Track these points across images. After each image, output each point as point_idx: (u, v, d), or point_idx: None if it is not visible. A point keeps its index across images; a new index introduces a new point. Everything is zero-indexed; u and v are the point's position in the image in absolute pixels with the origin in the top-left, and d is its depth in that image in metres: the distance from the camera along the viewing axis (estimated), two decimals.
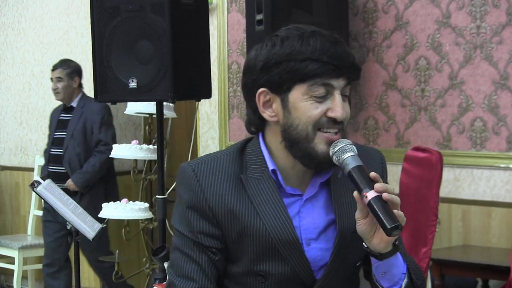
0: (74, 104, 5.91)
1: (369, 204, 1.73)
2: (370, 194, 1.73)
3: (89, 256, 5.81)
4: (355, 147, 1.81)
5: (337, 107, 1.81)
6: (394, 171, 5.00)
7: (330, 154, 1.81)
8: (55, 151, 5.89)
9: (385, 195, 1.72)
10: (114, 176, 6.04)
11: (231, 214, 1.84)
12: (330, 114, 1.81)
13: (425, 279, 1.97)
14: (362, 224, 1.78)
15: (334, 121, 1.82)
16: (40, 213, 6.37)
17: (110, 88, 4.08)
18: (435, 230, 4.41)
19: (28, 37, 7.34)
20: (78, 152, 5.78)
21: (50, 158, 5.92)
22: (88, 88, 6.44)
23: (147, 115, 5.19)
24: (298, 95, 1.82)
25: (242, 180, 1.86)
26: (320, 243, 1.87)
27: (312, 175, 1.89)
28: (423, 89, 5.06)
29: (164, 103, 4.38)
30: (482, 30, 4.81)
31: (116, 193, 6.00)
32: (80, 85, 5.97)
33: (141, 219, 5.10)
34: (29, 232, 6.93)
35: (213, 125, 6.10)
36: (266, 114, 1.87)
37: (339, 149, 1.80)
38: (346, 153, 1.79)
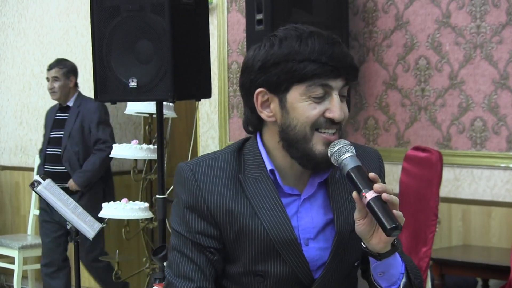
0: (70, 103, 5.91)
1: (369, 204, 1.73)
2: (370, 195, 1.73)
3: (84, 256, 5.78)
4: (353, 148, 1.81)
5: (335, 107, 1.81)
6: (394, 171, 5.01)
7: (329, 154, 1.81)
8: (51, 150, 5.89)
9: (384, 195, 1.72)
10: (111, 176, 6.04)
11: (229, 214, 1.84)
12: (328, 114, 1.81)
13: (423, 279, 1.98)
14: (361, 224, 1.78)
15: (332, 122, 1.82)
16: None
17: (110, 88, 4.08)
18: (435, 229, 4.41)
19: (28, 37, 7.34)
20: (77, 151, 5.79)
21: (46, 158, 5.91)
22: (88, 88, 6.44)
23: (147, 115, 5.19)
24: (296, 96, 1.82)
25: (240, 180, 1.86)
26: (318, 243, 1.87)
27: (310, 174, 1.89)
28: (423, 88, 5.06)
29: (164, 103, 4.38)
30: (482, 29, 4.81)
31: (113, 193, 6.00)
32: (76, 85, 5.96)
33: (141, 219, 5.10)
34: (29, 232, 6.93)
35: (213, 124, 6.10)
36: (264, 114, 1.87)
37: (337, 149, 1.80)
38: (344, 154, 1.79)
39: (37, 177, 4.50)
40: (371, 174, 1.76)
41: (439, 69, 4.99)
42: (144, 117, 6.36)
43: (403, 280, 1.85)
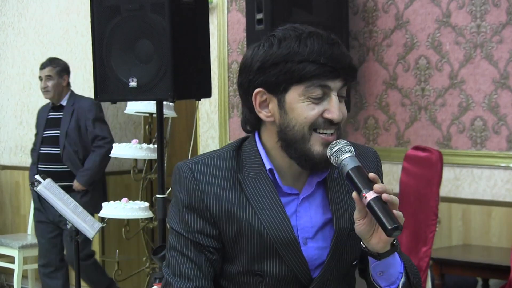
0: (63, 102, 5.89)
1: (369, 205, 1.73)
2: (370, 195, 1.73)
3: (70, 254, 5.74)
4: (352, 148, 1.81)
5: (334, 108, 1.81)
6: (394, 171, 5.01)
7: (328, 155, 1.81)
8: (46, 150, 5.87)
9: (384, 195, 1.72)
10: (104, 176, 6.03)
11: (228, 214, 1.84)
12: (327, 115, 1.81)
13: (421, 278, 1.98)
14: (360, 224, 1.78)
15: (330, 122, 1.82)
16: None
17: (110, 88, 4.08)
18: (435, 229, 4.41)
19: (28, 36, 7.34)
20: (76, 150, 5.78)
21: (40, 157, 5.90)
22: (88, 87, 6.44)
23: (147, 115, 5.19)
24: (294, 96, 1.82)
25: (239, 179, 1.86)
26: (317, 242, 1.87)
27: (309, 174, 1.89)
28: (423, 88, 5.06)
29: (164, 103, 4.38)
30: (482, 29, 4.81)
31: (106, 192, 6.00)
32: (69, 84, 5.95)
33: (141, 219, 5.10)
34: (29, 231, 6.92)
35: (213, 124, 6.10)
36: (263, 114, 1.86)
37: (337, 150, 1.80)
38: (344, 154, 1.79)
39: (37, 177, 4.49)
40: (371, 175, 1.76)
41: (439, 68, 4.99)
42: (144, 116, 6.36)
43: (402, 279, 1.85)
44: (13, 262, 6.63)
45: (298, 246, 1.84)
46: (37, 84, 7.27)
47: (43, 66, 5.94)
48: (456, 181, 4.96)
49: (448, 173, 4.88)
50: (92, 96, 4.26)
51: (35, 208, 6.02)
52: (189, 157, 5.12)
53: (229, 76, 5.97)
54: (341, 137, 1.85)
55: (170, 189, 4.36)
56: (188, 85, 4.07)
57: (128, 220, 5.07)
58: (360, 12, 5.31)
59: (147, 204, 4.95)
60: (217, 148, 5.89)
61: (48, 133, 5.89)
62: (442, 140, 4.99)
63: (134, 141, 5.08)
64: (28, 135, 7.42)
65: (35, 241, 6.65)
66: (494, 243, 4.80)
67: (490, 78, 4.80)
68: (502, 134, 4.77)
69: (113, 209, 4.87)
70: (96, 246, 6.63)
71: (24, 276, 6.78)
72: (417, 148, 4.67)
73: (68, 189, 5.66)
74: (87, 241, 5.64)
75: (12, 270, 6.67)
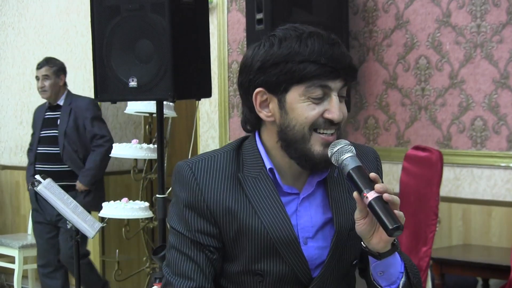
0: (60, 102, 5.88)
1: (370, 204, 1.73)
2: (371, 195, 1.73)
3: (65, 252, 5.75)
4: (353, 148, 1.81)
5: (334, 108, 1.81)
6: (394, 170, 5.01)
7: (329, 155, 1.81)
8: (43, 149, 5.86)
9: (385, 195, 1.73)
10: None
11: (229, 213, 1.84)
12: (327, 115, 1.82)
13: (421, 278, 1.98)
14: (361, 224, 1.78)
15: (330, 122, 1.82)
16: None
17: (110, 87, 4.08)
18: (435, 229, 4.42)
19: (28, 36, 7.34)
20: (76, 149, 5.77)
21: (37, 157, 5.89)
22: (88, 87, 6.44)
23: (147, 114, 5.19)
24: (295, 96, 1.82)
25: (239, 179, 1.86)
26: (317, 242, 1.87)
27: (309, 173, 1.89)
28: (423, 88, 5.06)
29: (164, 102, 4.38)
30: (482, 29, 4.81)
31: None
32: (65, 83, 5.94)
33: (141, 218, 5.10)
34: (29, 231, 6.92)
35: (213, 124, 6.10)
36: (263, 114, 1.86)
37: (338, 149, 1.80)
38: (345, 154, 1.79)
39: (37, 177, 4.49)
40: (372, 174, 1.76)
41: (439, 68, 4.99)
42: (144, 116, 6.36)
43: (403, 279, 1.85)
44: (13, 262, 6.63)
45: (298, 245, 1.84)
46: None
47: (39, 66, 5.93)
48: (456, 181, 4.96)
49: (448, 173, 4.88)
50: (92, 96, 4.25)
51: (32, 209, 6.01)
52: (189, 157, 5.12)
53: (229, 76, 5.97)
54: (341, 137, 1.85)
55: (170, 189, 4.36)
56: (188, 85, 4.07)
57: (128, 220, 5.08)
58: (360, 12, 5.31)
59: (147, 204, 4.95)
60: (217, 148, 5.90)
61: (45, 133, 5.87)
62: (442, 140, 4.99)
63: (134, 141, 5.08)
64: (28, 135, 7.41)
65: (35, 241, 6.65)
66: (494, 243, 4.80)
67: (490, 78, 4.80)
68: (502, 134, 4.77)
69: (113, 209, 4.87)
70: (96, 246, 6.63)
71: (24, 276, 6.78)
72: (417, 148, 4.67)
73: (68, 189, 5.66)
74: (83, 240, 5.65)
75: (12, 270, 6.67)
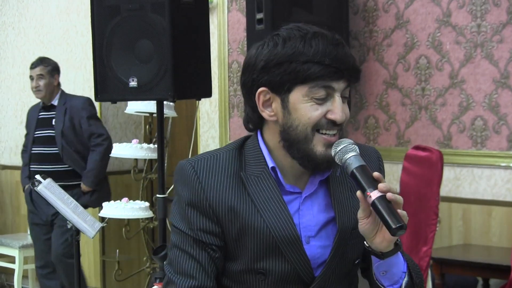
0: (54, 102, 5.85)
1: (373, 204, 1.73)
2: (374, 194, 1.73)
3: (57, 251, 5.73)
4: (357, 147, 1.81)
5: (337, 109, 1.82)
6: (395, 170, 5.01)
7: (332, 154, 1.81)
8: (38, 150, 5.83)
9: (389, 194, 1.73)
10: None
11: (231, 212, 1.84)
12: (330, 116, 1.82)
13: (423, 278, 1.98)
14: (364, 223, 1.78)
15: (333, 123, 1.82)
16: None
17: (110, 87, 4.08)
18: (436, 229, 4.41)
19: (29, 36, 7.34)
20: (75, 149, 5.76)
21: (32, 157, 5.87)
22: (88, 87, 6.44)
23: (148, 114, 5.19)
24: (298, 96, 1.82)
25: (242, 178, 1.86)
26: (319, 241, 1.88)
27: (311, 173, 1.90)
28: (423, 88, 5.06)
29: (165, 102, 4.38)
30: (482, 29, 4.81)
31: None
32: (59, 83, 5.92)
33: (142, 218, 5.10)
34: (29, 231, 6.92)
35: (213, 124, 6.10)
36: (266, 113, 1.87)
37: (341, 148, 1.80)
38: (348, 153, 1.79)
39: (37, 176, 4.49)
40: (376, 174, 1.76)
41: (440, 68, 4.99)
42: (145, 116, 6.36)
43: (405, 279, 1.86)
44: (13, 262, 6.63)
45: (300, 244, 1.84)
46: None
47: (34, 66, 5.89)
48: (456, 181, 4.96)
49: (448, 173, 4.88)
50: (93, 96, 4.25)
51: (28, 211, 5.97)
52: (189, 157, 5.13)
53: (229, 76, 5.97)
54: (343, 136, 1.86)
55: (170, 189, 4.36)
56: (188, 85, 4.07)
57: (128, 220, 5.08)
58: (360, 12, 5.31)
59: (147, 204, 4.96)
60: (218, 148, 5.90)
61: (40, 133, 5.84)
62: (443, 139, 4.99)
63: (134, 141, 5.08)
64: None
65: None
66: (494, 242, 4.80)
67: (490, 77, 4.80)
68: (502, 133, 4.77)
69: (113, 209, 4.87)
70: (96, 246, 6.63)
71: (25, 276, 6.78)
72: (417, 147, 4.67)
73: (66, 189, 5.66)
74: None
75: (13, 270, 6.67)
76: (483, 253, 4.71)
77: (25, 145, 6.00)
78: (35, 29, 7.27)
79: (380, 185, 1.73)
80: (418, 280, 1.89)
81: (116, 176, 6.44)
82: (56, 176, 5.65)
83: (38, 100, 5.96)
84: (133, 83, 4.00)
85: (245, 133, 1.97)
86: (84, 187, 5.72)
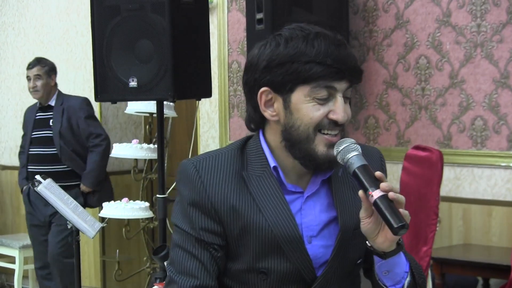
0: (51, 103, 5.83)
1: (375, 203, 1.73)
2: (376, 194, 1.73)
3: (53, 250, 5.72)
4: (359, 147, 1.82)
5: (339, 109, 1.82)
6: (395, 170, 5.01)
7: (335, 153, 1.81)
8: (35, 150, 5.82)
9: (391, 194, 1.73)
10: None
11: (233, 211, 1.84)
12: (332, 116, 1.82)
13: (425, 278, 1.98)
14: (366, 223, 1.78)
15: (335, 123, 1.82)
16: None
17: (110, 88, 4.08)
18: (436, 229, 4.42)
19: (29, 36, 7.34)
20: (72, 149, 5.75)
21: (29, 158, 5.85)
22: (88, 87, 6.44)
23: (148, 114, 5.20)
24: (300, 97, 1.82)
25: (244, 177, 1.86)
26: (321, 240, 1.88)
27: (313, 172, 1.90)
28: (423, 88, 5.06)
29: (165, 102, 4.38)
30: (482, 28, 4.81)
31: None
32: (56, 84, 5.91)
33: (142, 219, 5.10)
34: (28, 232, 6.92)
35: (213, 124, 6.10)
36: (267, 113, 1.87)
37: (343, 148, 1.81)
38: (350, 152, 1.80)
39: (37, 177, 4.49)
40: (378, 173, 1.76)
41: (440, 68, 4.99)
42: (145, 116, 6.36)
43: (408, 279, 1.86)
44: (13, 262, 6.63)
45: (302, 244, 1.84)
46: None
47: (31, 66, 5.88)
48: (456, 181, 4.96)
49: (448, 173, 4.88)
50: (93, 96, 4.25)
51: (26, 212, 5.96)
52: (189, 157, 5.13)
53: (229, 76, 5.97)
54: (344, 136, 1.86)
55: (171, 189, 4.36)
56: (188, 85, 4.07)
57: (128, 220, 5.08)
58: (360, 12, 5.31)
59: (147, 204, 4.96)
60: (218, 148, 5.90)
61: (37, 133, 5.82)
62: (443, 139, 4.99)
63: (134, 141, 5.08)
64: None
65: None
66: (494, 242, 4.80)
67: (490, 77, 4.80)
68: (502, 133, 4.77)
69: (113, 209, 4.87)
70: (96, 246, 6.63)
71: (25, 276, 6.78)
72: (417, 147, 4.67)
73: (65, 189, 5.65)
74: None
75: (13, 270, 6.67)
76: (483, 253, 4.71)
77: (22, 146, 5.99)
78: (35, 29, 7.27)
79: (382, 185, 1.73)
80: (420, 280, 1.89)
81: (116, 176, 6.43)
82: (54, 177, 5.65)
83: (35, 101, 5.95)
84: (133, 83, 4.00)
85: (245, 133, 1.97)
86: (84, 188, 5.71)
